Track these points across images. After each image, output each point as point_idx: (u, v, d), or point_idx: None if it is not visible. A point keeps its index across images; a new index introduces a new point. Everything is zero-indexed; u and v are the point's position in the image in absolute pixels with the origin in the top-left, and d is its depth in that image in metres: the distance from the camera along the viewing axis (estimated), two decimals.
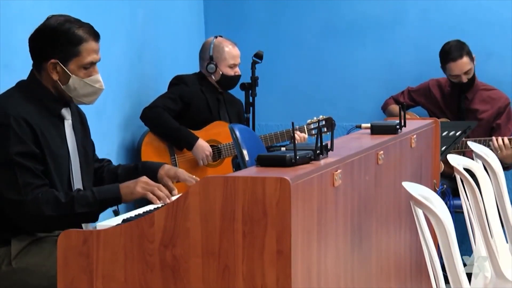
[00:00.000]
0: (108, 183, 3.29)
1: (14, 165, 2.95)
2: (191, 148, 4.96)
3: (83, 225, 3.15)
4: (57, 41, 3.07)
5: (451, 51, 5.33)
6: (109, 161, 3.45)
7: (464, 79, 5.34)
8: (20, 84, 3.16)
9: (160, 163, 3.37)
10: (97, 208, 3.03)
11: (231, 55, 5.11)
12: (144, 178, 3.10)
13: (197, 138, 4.95)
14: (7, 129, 2.96)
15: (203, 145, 4.96)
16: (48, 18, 3.14)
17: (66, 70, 3.08)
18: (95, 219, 3.09)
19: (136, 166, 3.36)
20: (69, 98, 3.14)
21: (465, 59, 5.32)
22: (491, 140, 5.16)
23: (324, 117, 5.02)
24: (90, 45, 3.11)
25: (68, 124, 3.17)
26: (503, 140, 5.13)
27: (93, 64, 3.13)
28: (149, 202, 3.11)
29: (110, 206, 3.09)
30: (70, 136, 3.17)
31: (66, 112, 3.17)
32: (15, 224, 3.01)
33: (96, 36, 3.14)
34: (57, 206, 2.96)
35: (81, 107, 3.34)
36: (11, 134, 2.96)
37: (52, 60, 3.07)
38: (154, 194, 3.05)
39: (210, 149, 4.98)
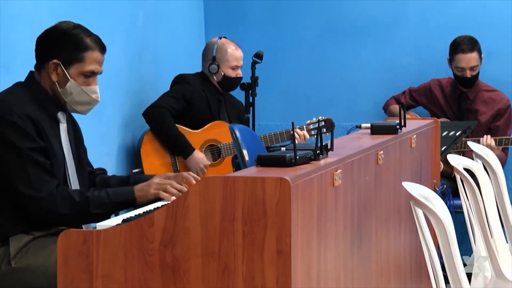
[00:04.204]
0: None
1: (25, 160, 2.97)
2: (186, 158, 4.95)
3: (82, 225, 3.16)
4: (64, 43, 3.10)
5: (464, 43, 5.33)
6: (103, 169, 3.45)
7: (468, 74, 5.33)
8: (18, 84, 3.17)
9: (151, 175, 3.35)
10: (112, 210, 3.08)
11: (234, 57, 5.11)
12: (157, 179, 3.14)
13: (193, 150, 4.93)
14: (13, 125, 2.98)
15: (198, 157, 4.94)
16: (60, 22, 3.16)
17: (66, 73, 3.10)
18: (108, 218, 3.11)
19: (128, 179, 3.37)
20: (63, 103, 3.15)
21: (475, 54, 5.33)
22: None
23: (323, 118, 5.02)
24: (95, 55, 3.13)
25: (63, 127, 3.18)
26: (491, 140, 5.13)
27: (94, 74, 3.15)
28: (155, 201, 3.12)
29: (124, 208, 3.13)
30: (65, 140, 3.18)
31: (61, 116, 3.18)
32: (31, 218, 3.03)
33: (102, 48, 3.16)
34: (71, 205, 3.00)
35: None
36: (17, 130, 2.98)
37: (55, 60, 3.09)
38: (166, 192, 3.08)
39: (206, 162, 4.95)
